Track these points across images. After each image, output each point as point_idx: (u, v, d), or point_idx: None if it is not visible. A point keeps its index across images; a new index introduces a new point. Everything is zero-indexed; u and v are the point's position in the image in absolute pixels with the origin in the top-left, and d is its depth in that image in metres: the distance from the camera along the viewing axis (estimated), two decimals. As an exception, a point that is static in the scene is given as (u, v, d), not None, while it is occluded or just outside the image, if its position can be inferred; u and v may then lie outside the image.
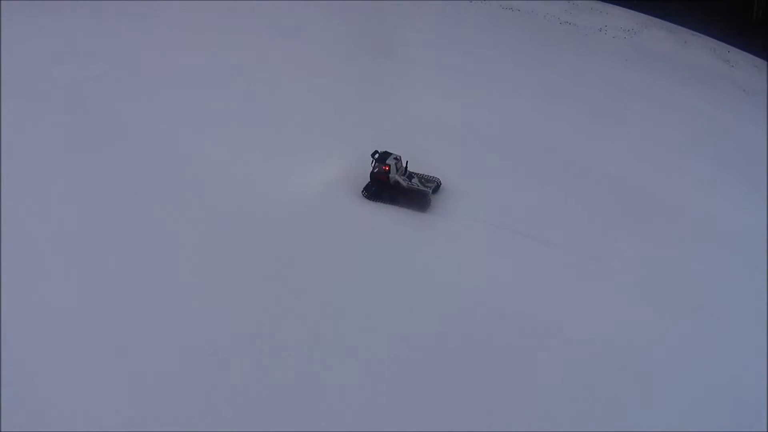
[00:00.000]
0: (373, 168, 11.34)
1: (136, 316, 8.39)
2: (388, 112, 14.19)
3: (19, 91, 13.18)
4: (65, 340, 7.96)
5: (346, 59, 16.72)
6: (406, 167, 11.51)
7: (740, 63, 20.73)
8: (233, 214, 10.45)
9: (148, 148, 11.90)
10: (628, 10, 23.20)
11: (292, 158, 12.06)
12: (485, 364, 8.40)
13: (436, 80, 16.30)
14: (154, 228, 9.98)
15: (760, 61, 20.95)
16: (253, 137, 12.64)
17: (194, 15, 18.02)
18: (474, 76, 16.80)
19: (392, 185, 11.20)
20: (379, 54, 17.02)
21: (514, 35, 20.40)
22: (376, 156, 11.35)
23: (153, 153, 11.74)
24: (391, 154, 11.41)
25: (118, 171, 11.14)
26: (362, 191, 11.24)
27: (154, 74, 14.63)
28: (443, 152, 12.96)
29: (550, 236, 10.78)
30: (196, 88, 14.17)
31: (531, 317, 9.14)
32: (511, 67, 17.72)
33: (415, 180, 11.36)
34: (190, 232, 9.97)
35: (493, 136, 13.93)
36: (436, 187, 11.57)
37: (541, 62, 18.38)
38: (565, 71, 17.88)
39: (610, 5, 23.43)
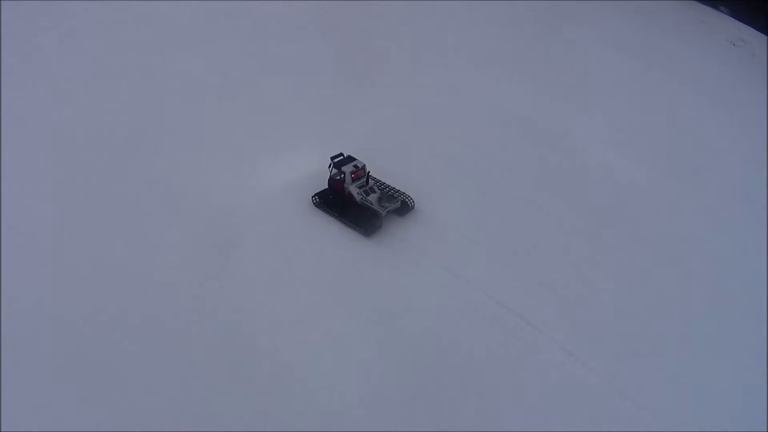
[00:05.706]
0: (330, 174, 9.83)
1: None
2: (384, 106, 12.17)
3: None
4: None
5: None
6: (368, 178, 9.79)
7: None
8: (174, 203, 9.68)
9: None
10: None
11: (260, 156, 10.64)
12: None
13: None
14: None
15: None
16: (219, 133, 11.27)
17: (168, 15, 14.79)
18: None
19: (346, 196, 9.65)
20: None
21: None
22: (336, 161, 9.79)
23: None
24: (354, 160, 9.72)
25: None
26: (312, 197, 9.81)
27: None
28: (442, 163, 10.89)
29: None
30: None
31: None
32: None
33: (374, 195, 9.61)
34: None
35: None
36: (402, 207, 9.68)
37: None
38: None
39: None
